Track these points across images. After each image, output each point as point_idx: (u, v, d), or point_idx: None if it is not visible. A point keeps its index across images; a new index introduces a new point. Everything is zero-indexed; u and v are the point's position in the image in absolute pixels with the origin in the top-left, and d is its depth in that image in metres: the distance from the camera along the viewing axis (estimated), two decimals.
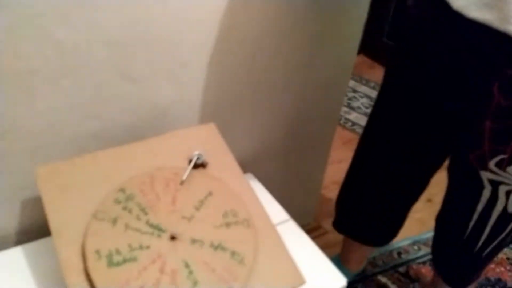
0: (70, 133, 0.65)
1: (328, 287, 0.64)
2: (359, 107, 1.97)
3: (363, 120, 1.88)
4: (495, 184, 0.65)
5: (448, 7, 0.57)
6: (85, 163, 0.63)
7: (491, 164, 0.63)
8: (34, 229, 0.70)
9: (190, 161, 0.67)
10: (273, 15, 0.74)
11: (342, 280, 0.65)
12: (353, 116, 1.91)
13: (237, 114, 0.84)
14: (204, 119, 0.79)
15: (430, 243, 1.25)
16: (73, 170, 0.62)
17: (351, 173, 0.90)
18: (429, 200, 1.40)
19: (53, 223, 0.56)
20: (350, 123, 1.85)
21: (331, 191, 1.44)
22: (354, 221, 0.93)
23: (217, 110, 0.80)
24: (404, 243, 1.27)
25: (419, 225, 1.33)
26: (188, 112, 0.76)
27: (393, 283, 1.15)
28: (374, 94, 2.09)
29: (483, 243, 0.73)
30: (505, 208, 0.67)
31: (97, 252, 0.53)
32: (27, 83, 0.58)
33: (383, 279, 1.16)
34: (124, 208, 0.59)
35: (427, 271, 1.19)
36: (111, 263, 0.52)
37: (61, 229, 0.55)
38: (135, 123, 0.71)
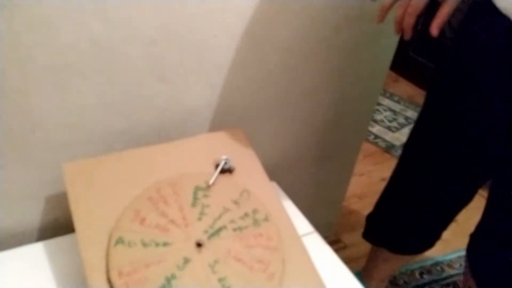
0: (99, 131, 0.65)
1: None
2: (382, 120, 1.94)
3: (385, 134, 1.85)
4: None
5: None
6: (113, 162, 0.62)
7: None
8: (57, 226, 0.69)
9: (217, 166, 0.65)
10: (308, 22, 0.73)
11: None
12: (376, 129, 1.87)
13: (265, 121, 0.83)
14: (232, 124, 0.77)
15: (454, 265, 1.21)
16: (100, 168, 0.61)
17: (390, 187, 0.88)
18: (454, 220, 1.36)
19: (78, 221, 0.55)
20: (372, 136, 1.82)
21: (352, 204, 1.41)
22: (389, 230, 0.90)
23: (245, 116, 0.79)
24: (427, 263, 1.22)
25: (443, 245, 1.28)
26: (217, 115, 0.75)
27: None
28: (397, 107, 2.05)
29: None
30: None
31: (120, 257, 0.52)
32: (60, 77, 0.57)
33: None
34: (139, 236, 0.56)
35: None
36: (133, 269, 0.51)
37: (85, 228, 0.54)
38: (163, 124, 0.70)
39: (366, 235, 0.95)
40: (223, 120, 0.77)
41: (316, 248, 0.68)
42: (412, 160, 0.81)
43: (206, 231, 0.56)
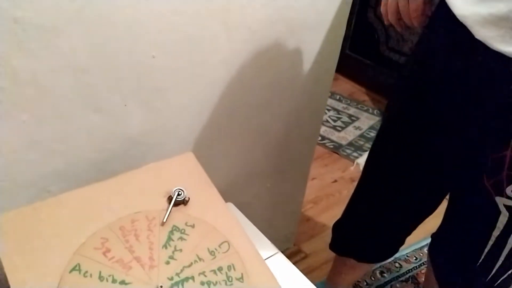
0: (31, 174, 0.57)
1: None
2: (327, 121, 1.97)
3: (331, 134, 1.88)
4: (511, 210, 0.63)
5: (470, 38, 0.55)
6: (51, 208, 0.55)
7: (508, 190, 0.62)
8: None
9: (169, 198, 0.60)
10: (250, 36, 0.70)
11: None
12: (322, 129, 1.89)
13: (215, 140, 0.79)
14: (180, 148, 0.72)
15: (410, 259, 1.25)
16: (36, 217, 0.53)
17: (355, 197, 0.87)
18: None
19: (13, 284, 0.47)
20: (319, 138, 1.84)
21: (307, 211, 1.41)
22: (355, 240, 0.89)
23: (193, 138, 0.74)
24: (386, 261, 1.25)
25: None
26: (163, 141, 0.70)
27: None
28: (340, 106, 2.10)
29: (496, 272, 0.70)
30: None
31: None
32: None
33: None
34: (98, 267, 0.51)
35: None
36: None
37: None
38: (104, 157, 0.64)
39: (333, 246, 0.94)
40: (171, 145, 0.71)
41: (281, 269, 0.66)
42: (375, 171, 0.81)
43: (171, 278, 0.51)
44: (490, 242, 0.67)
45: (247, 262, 0.57)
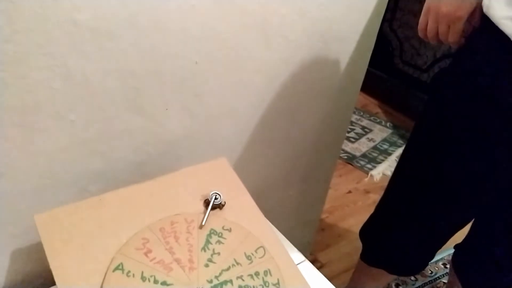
0: (72, 174, 0.58)
1: None
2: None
3: (345, 145, 1.89)
4: None
5: None
6: (90, 208, 0.56)
7: None
8: (28, 283, 0.60)
9: (205, 201, 0.61)
10: (287, 46, 0.71)
11: None
12: None
13: (246, 147, 0.80)
14: (214, 153, 0.73)
15: (426, 273, 1.25)
16: (77, 216, 0.54)
17: (384, 206, 0.86)
18: None
19: (59, 281, 0.48)
20: None
21: (323, 220, 1.41)
22: (388, 253, 0.88)
23: (227, 143, 0.75)
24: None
25: None
26: (198, 146, 0.71)
27: None
28: (353, 118, 2.11)
29: None
30: None
31: None
32: (29, 118, 0.50)
33: None
34: (140, 267, 0.52)
35: None
36: None
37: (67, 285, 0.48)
38: (142, 159, 0.65)
39: (365, 256, 0.93)
40: (204, 149, 0.72)
41: (309, 276, 0.66)
42: (410, 181, 0.79)
43: (210, 281, 0.52)
44: None
45: (282, 268, 0.58)
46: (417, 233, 0.81)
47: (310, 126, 0.89)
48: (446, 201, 0.74)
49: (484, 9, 0.60)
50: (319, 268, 1.23)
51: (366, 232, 0.91)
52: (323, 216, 1.42)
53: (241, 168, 0.80)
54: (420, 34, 0.70)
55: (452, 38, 0.66)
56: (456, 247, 0.89)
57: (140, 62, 0.56)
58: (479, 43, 0.62)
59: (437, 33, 0.67)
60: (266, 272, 0.56)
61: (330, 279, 1.18)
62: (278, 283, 0.56)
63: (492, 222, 0.76)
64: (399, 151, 1.87)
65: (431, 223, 0.79)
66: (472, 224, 0.81)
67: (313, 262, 1.23)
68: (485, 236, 0.79)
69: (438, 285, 1.22)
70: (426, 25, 0.68)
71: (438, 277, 1.25)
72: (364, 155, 1.82)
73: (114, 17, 0.50)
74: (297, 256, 0.71)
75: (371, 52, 0.89)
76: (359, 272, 1.00)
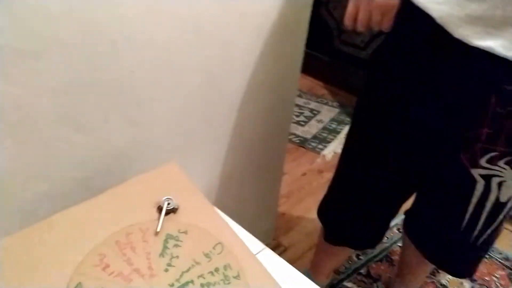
0: (18, 200, 0.57)
1: None
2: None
3: (296, 129, 1.94)
4: (487, 178, 0.71)
5: (447, 35, 0.60)
6: (41, 232, 0.55)
7: (482, 161, 0.69)
8: None
9: (159, 208, 0.62)
10: (221, 43, 0.73)
11: None
12: None
13: (195, 148, 0.81)
14: (163, 158, 0.74)
15: (384, 240, 1.33)
16: (28, 242, 0.53)
17: (336, 185, 0.91)
18: None
19: None
20: None
21: (282, 205, 1.46)
22: (348, 231, 0.94)
23: (175, 147, 0.76)
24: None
25: None
26: (146, 153, 0.71)
27: (359, 286, 1.19)
28: (301, 101, 2.17)
29: (478, 233, 0.78)
30: (497, 198, 0.73)
31: None
32: None
33: (348, 284, 1.19)
34: (100, 284, 0.52)
35: (385, 268, 1.25)
36: None
37: None
38: (89, 175, 0.64)
39: (329, 238, 0.98)
40: (152, 156, 0.73)
41: (270, 262, 0.69)
42: (355, 157, 0.85)
43: (171, 285, 0.53)
44: (471, 207, 0.75)
45: (241, 260, 0.60)
46: (370, 206, 0.87)
47: (255, 117, 0.91)
48: (391, 171, 0.80)
49: None
50: (283, 252, 1.28)
51: (323, 212, 0.96)
52: (282, 201, 1.47)
53: (193, 168, 0.82)
54: (348, 23, 0.73)
55: (386, 25, 0.70)
56: (405, 212, 0.96)
57: (73, 78, 0.55)
58: (404, 23, 0.68)
59: (368, 21, 0.71)
60: (225, 267, 0.58)
61: (295, 260, 1.23)
62: (238, 275, 0.58)
63: (433, 186, 0.83)
64: (347, 128, 1.95)
65: (381, 194, 0.85)
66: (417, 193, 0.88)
67: (277, 246, 1.28)
68: (428, 199, 0.86)
69: (394, 250, 1.31)
70: (356, 14, 0.71)
71: (394, 242, 1.34)
72: (315, 137, 1.88)
73: (39, 36, 0.49)
74: (256, 245, 0.74)
75: (305, 38, 0.92)
76: (321, 250, 1.05)
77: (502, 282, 1.25)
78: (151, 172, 0.67)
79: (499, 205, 0.74)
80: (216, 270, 0.58)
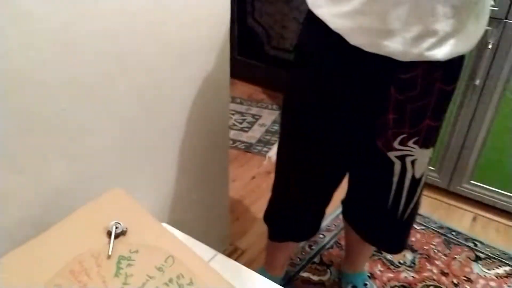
0: None
1: None
2: (234, 124, 2.09)
3: (240, 136, 2.01)
4: (402, 158, 0.82)
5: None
6: None
7: (395, 144, 0.80)
8: None
9: (108, 233, 0.66)
10: (145, 68, 0.78)
11: None
12: (231, 134, 2.02)
13: (138, 170, 0.85)
14: (107, 185, 0.77)
15: (331, 228, 1.43)
16: None
17: (275, 186, 0.99)
18: None
19: None
20: (231, 142, 1.95)
21: (235, 210, 1.52)
22: (290, 226, 1.02)
23: (118, 173, 0.79)
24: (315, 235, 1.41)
25: None
26: (90, 183, 0.74)
27: (314, 274, 1.28)
28: (242, 108, 2.24)
29: (403, 208, 0.89)
30: (413, 175, 0.84)
31: None
32: None
33: (304, 274, 1.27)
34: None
35: (336, 253, 1.35)
36: None
37: None
38: (35, 213, 0.66)
39: (273, 236, 1.05)
40: (96, 185, 0.76)
41: (225, 267, 0.75)
42: (286, 157, 0.93)
43: None
44: (393, 187, 0.85)
45: (193, 268, 0.65)
46: (305, 198, 0.95)
47: (193, 132, 0.96)
48: (320, 164, 0.89)
49: (309, 6, 0.74)
50: (241, 255, 1.34)
51: (267, 215, 1.04)
52: (235, 206, 1.53)
53: (140, 191, 0.85)
54: None
55: None
56: (342, 201, 1.06)
57: (8, 123, 0.57)
58: (308, 32, 0.78)
59: None
60: (178, 277, 0.63)
61: (252, 261, 1.30)
62: (191, 282, 0.63)
63: (359, 173, 0.93)
64: None
65: (314, 186, 0.93)
66: (348, 178, 0.98)
67: (235, 251, 1.33)
68: (356, 186, 0.96)
69: (343, 235, 1.41)
70: None
71: (341, 228, 1.45)
72: (259, 141, 1.96)
73: None
74: (209, 252, 0.79)
75: (229, 46, 0.98)
76: (271, 247, 1.12)
77: (439, 248, 1.39)
78: (95, 200, 0.70)
79: (415, 181, 0.85)
80: (170, 280, 0.62)
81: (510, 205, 1.47)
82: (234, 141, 1.96)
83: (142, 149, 0.84)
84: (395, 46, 0.68)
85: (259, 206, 1.54)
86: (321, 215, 1.01)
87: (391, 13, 0.65)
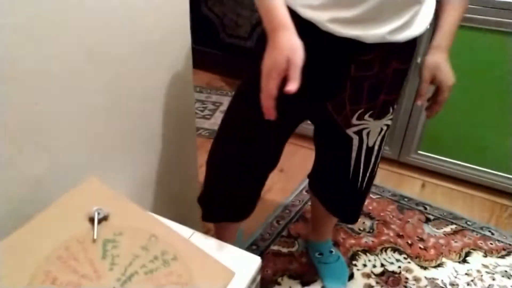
0: None
1: (248, 269, 0.76)
2: (196, 113, 2.11)
3: (203, 123, 2.04)
4: (359, 133, 0.89)
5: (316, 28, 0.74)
6: None
7: (354, 120, 0.87)
8: None
9: (91, 219, 0.69)
10: (112, 60, 0.80)
11: (257, 259, 0.79)
12: None
13: (112, 158, 0.87)
14: (83, 174, 0.79)
15: (295, 203, 1.52)
16: None
17: (209, 166, 1.02)
18: (281, 171, 1.67)
19: None
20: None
21: None
22: (222, 208, 1.05)
23: (92, 164, 0.82)
24: (278, 211, 1.49)
25: (282, 192, 1.58)
26: (65, 176, 0.76)
27: (283, 247, 1.36)
28: (203, 96, 2.27)
29: (361, 178, 0.97)
30: (367, 144, 0.92)
31: None
32: None
33: (274, 247, 1.35)
34: None
35: (302, 226, 1.44)
36: None
37: None
38: (15, 207, 0.68)
39: (206, 218, 1.09)
40: (72, 175, 0.78)
41: (202, 243, 0.80)
42: (221, 143, 0.98)
43: (119, 279, 0.61)
44: (352, 160, 0.94)
45: (175, 244, 0.70)
46: (240, 179, 0.98)
47: (160, 121, 1.00)
48: (262, 142, 0.93)
49: None
50: (213, 235, 1.39)
51: (201, 197, 1.07)
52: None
53: (115, 179, 0.88)
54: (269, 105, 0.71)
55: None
56: (308, 176, 1.13)
57: None
58: None
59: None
60: (163, 253, 0.68)
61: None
62: (175, 257, 0.68)
63: (322, 150, 1.01)
64: None
65: (246, 168, 0.97)
66: (315, 154, 1.05)
67: (207, 232, 1.38)
68: (321, 162, 1.04)
69: (306, 209, 1.50)
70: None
71: (304, 202, 1.54)
72: None
73: None
74: (187, 231, 0.84)
75: (189, 36, 1.02)
76: (216, 229, 1.18)
77: (394, 214, 1.52)
78: (74, 189, 0.73)
79: (369, 150, 0.94)
80: (155, 257, 0.67)
81: (454, 171, 1.63)
82: (198, 128, 1.99)
83: (115, 139, 0.87)
84: (362, 31, 0.74)
85: None
86: (257, 194, 1.05)
87: (362, 3, 0.71)
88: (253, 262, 0.78)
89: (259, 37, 0.91)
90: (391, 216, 1.50)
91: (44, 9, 0.64)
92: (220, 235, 1.16)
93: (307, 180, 1.14)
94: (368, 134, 0.91)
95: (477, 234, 1.44)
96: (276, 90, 0.68)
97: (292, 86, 0.65)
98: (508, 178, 1.53)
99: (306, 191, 1.57)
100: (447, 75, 0.84)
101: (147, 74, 0.91)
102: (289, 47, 0.67)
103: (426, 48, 0.86)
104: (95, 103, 0.79)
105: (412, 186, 1.66)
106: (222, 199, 1.03)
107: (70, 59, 0.71)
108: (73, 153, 0.77)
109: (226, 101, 2.23)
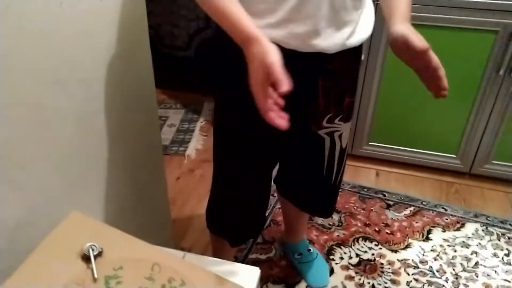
0: None
1: (252, 280, 0.75)
2: None
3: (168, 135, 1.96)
4: (331, 134, 0.93)
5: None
6: None
7: (324, 123, 0.91)
8: None
9: (84, 256, 0.63)
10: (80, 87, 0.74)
11: (256, 270, 0.78)
12: None
13: (87, 189, 0.81)
14: (64, 210, 0.72)
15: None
16: None
17: (216, 186, 1.02)
18: None
19: None
20: None
21: (174, 210, 1.50)
22: (227, 224, 1.06)
23: (70, 196, 0.75)
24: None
25: None
26: (44, 213, 0.69)
27: (261, 254, 1.36)
28: (161, 112, 2.18)
29: (335, 175, 1.01)
30: (341, 146, 0.97)
31: None
32: None
33: (252, 256, 1.34)
34: None
35: (275, 229, 1.45)
36: None
37: None
38: None
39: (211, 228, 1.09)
40: (51, 214, 0.71)
41: (199, 262, 0.77)
42: (225, 156, 0.98)
43: None
44: (326, 159, 0.97)
45: (179, 269, 0.66)
46: (244, 199, 1.00)
47: (125, 141, 0.94)
48: (254, 161, 0.95)
49: None
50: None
51: (208, 212, 1.07)
52: (173, 206, 1.51)
53: (88, 206, 0.81)
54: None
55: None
56: (274, 180, 1.14)
57: None
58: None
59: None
60: (170, 280, 0.64)
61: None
62: (183, 282, 0.65)
63: (295, 152, 1.03)
64: (199, 124, 2.07)
65: (252, 186, 0.99)
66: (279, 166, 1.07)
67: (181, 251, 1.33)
68: (293, 164, 1.06)
69: (276, 213, 1.52)
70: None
71: (273, 206, 1.55)
72: (173, 141, 1.95)
73: None
74: (178, 253, 0.80)
75: (149, 50, 0.98)
76: (214, 243, 1.16)
77: (357, 205, 1.59)
78: (58, 227, 0.66)
79: (343, 151, 0.99)
80: (163, 286, 0.63)
81: (403, 157, 1.75)
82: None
83: (89, 169, 0.80)
84: (324, 43, 0.77)
85: (192, 203, 1.55)
86: (262, 219, 1.07)
87: (317, 14, 0.74)
88: (253, 273, 0.77)
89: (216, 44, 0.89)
90: (355, 207, 1.57)
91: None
92: (218, 252, 1.14)
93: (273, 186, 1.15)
94: (340, 136, 0.96)
95: (433, 212, 1.55)
96: (271, 103, 0.66)
97: (284, 87, 0.64)
98: (451, 157, 1.68)
99: (273, 195, 1.58)
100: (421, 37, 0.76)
101: (113, 93, 0.85)
102: (261, 57, 0.66)
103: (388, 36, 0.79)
104: (66, 136, 0.73)
105: (367, 176, 1.75)
106: (230, 221, 1.03)
107: (36, 86, 0.64)
108: (49, 187, 0.70)
109: (172, 114, 2.17)
